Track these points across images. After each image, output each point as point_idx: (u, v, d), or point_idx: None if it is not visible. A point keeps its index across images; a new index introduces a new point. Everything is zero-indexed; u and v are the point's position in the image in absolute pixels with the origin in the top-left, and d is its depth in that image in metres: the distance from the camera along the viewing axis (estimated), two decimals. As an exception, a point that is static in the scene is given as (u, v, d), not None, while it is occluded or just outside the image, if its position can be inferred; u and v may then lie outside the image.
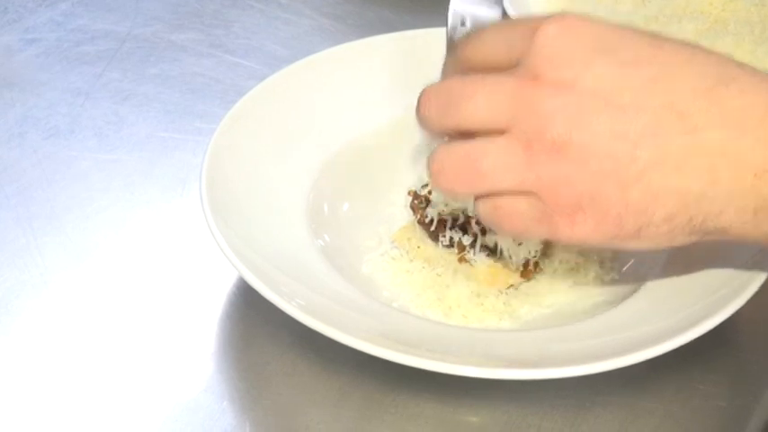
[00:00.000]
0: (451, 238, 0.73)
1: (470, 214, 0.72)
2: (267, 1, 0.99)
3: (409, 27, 0.86)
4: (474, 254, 0.72)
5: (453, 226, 0.73)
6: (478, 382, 0.64)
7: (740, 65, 0.59)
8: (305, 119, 0.80)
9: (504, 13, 0.79)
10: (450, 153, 0.61)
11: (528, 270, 0.73)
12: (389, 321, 0.68)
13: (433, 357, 0.63)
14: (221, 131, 0.75)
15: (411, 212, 0.75)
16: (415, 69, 0.83)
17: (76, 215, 0.78)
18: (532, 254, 0.72)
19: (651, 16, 0.95)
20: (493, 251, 0.72)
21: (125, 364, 0.68)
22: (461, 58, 0.65)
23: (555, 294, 0.72)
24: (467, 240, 0.72)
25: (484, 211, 0.61)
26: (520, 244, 0.72)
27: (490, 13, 0.74)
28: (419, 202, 0.74)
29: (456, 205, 0.72)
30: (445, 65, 0.67)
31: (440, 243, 0.73)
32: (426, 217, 0.73)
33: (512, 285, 0.73)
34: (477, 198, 0.61)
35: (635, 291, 0.70)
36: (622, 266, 0.74)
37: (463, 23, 0.73)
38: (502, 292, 0.72)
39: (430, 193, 0.74)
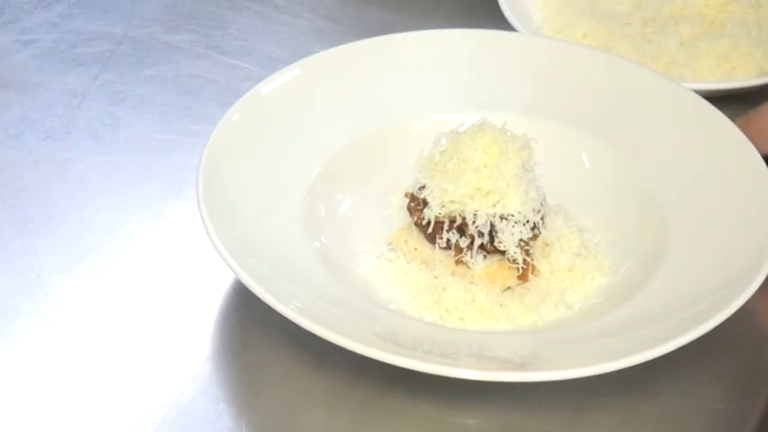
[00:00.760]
0: (448, 240, 0.73)
1: (467, 216, 0.72)
2: (263, 2, 0.99)
3: (406, 29, 0.86)
4: (471, 256, 0.72)
5: (450, 228, 0.72)
6: (475, 385, 0.64)
7: None
8: (302, 121, 0.80)
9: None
10: None
11: (525, 272, 0.72)
12: (386, 323, 0.68)
13: (429, 359, 0.63)
14: (218, 133, 0.75)
15: (408, 214, 0.75)
16: (413, 71, 0.84)
17: (72, 217, 0.78)
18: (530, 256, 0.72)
19: (648, 18, 0.95)
20: (490, 253, 0.72)
21: (121, 366, 0.68)
22: None
23: (552, 297, 0.72)
24: (464, 242, 0.72)
25: None
26: (518, 244, 0.72)
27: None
28: (416, 204, 0.74)
29: (453, 207, 0.72)
30: None
31: (437, 245, 0.73)
32: (423, 219, 0.73)
33: (509, 287, 0.73)
34: None
35: (632, 294, 0.70)
36: (619, 269, 0.74)
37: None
38: (499, 295, 0.72)
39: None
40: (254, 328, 0.70)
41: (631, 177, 0.78)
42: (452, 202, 0.72)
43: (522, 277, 0.73)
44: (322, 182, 0.77)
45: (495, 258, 0.72)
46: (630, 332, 0.67)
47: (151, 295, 0.73)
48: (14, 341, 0.70)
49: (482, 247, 0.72)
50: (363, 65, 0.84)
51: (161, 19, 0.98)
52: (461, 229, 0.72)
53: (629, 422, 0.66)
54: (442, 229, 0.73)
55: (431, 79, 0.83)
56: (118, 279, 0.74)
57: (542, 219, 0.74)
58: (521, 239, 0.72)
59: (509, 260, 0.72)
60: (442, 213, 0.73)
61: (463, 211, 0.72)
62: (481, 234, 0.72)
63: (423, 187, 0.74)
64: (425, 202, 0.73)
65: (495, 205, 0.72)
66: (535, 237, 0.73)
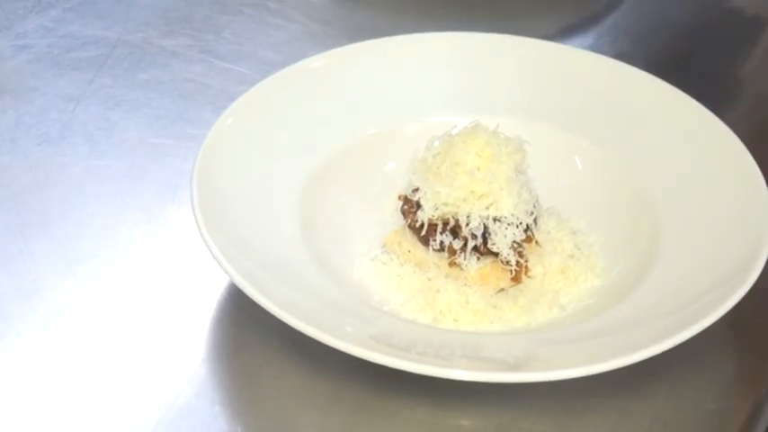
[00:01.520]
0: (442, 242, 0.73)
1: (460, 218, 0.72)
2: (257, 6, 0.99)
3: (399, 32, 0.87)
4: (464, 258, 0.72)
5: (444, 230, 0.73)
6: (469, 386, 0.65)
7: None
8: (296, 124, 0.80)
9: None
10: None
11: (518, 274, 0.73)
12: (380, 325, 0.69)
13: (423, 361, 0.64)
14: (212, 137, 0.75)
15: (402, 217, 0.75)
16: (405, 74, 0.84)
17: (68, 221, 0.78)
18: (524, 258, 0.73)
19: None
20: (484, 255, 0.72)
21: (117, 369, 0.69)
22: None
23: (545, 298, 0.72)
24: (457, 244, 0.73)
25: None
26: (512, 246, 0.72)
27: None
28: (410, 206, 0.74)
29: (446, 209, 0.73)
30: None
31: (430, 247, 0.73)
32: (417, 221, 0.73)
33: (502, 289, 0.73)
34: None
35: (624, 295, 0.71)
36: (612, 271, 0.74)
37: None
38: (492, 296, 0.72)
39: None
40: (249, 331, 0.70)
41: (624, 179, 0.78)
42: (446, 204, 0.72)
43: (516, 279, 0.73)
44: (316, 185, 0.77)
45: (488, 260, 0.73)
46: (623, 333, 0.67)
47: (147, 298, 0.73)
48: (11, 345, 0.70)
49: (475, 249, 0.72)
50: (356, 68, 0.84)
51: (155, 23, 0.99)
52: (455, 232, 0.73)
53: (621, 423, 0.66)
54: (435, 231, 0.73)
55: (423, 82, 0.84)
56: (114, 283, 0.74)
57: (535, 221, 0.74)
58: (514, 241, 0.72)
59: (502, 262, 0.72)
60: (436, 216, 0.73)
61: (456, 214, 0.72)
62: (474, 236, 0.72)
63: (416, 190, 0.74)
64: (419, 205, 0.73)
65: (488, 208, 0.72)
66: (528, 239, 0.73)
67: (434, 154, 0.74)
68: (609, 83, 0.84)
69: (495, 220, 0.72)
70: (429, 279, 0.73)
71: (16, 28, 0.97)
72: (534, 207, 0.74)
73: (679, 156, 0.78)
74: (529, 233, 0.73)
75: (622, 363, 0.63)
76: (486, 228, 0.72)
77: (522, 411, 0.66)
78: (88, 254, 0.76)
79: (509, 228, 0.72)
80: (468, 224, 0.72)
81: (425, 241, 0.74)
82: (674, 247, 0.73)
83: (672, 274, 0.70)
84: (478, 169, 0.72)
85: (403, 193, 0.76)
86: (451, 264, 0.73)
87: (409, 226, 0.74)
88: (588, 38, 1.01)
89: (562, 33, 1.01)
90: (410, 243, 0.75)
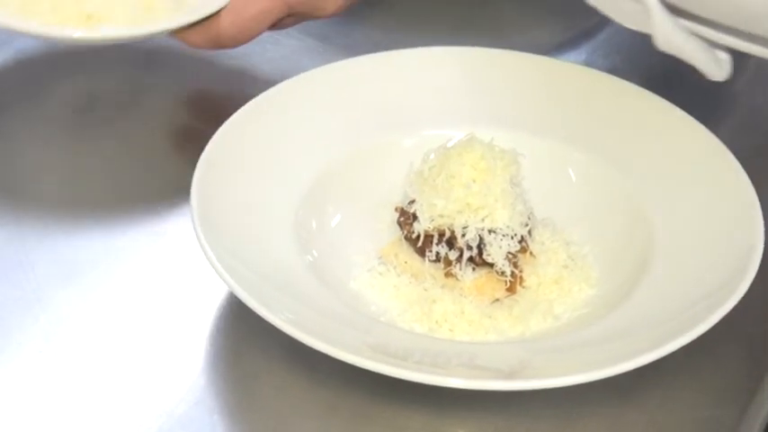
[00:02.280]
0: (438, 253, 0.74)
1: (456, 230, 0.73)
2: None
3: (396, 47, 0.87)
4: (460, 268, 0.73)
5: (440, 241, 0.73)
6: (465, 394, 0.65)
7: None
8: (293, 137, 0.80)
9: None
10: None
11: (513, 284, 0.73)
12: (377, 335, 0.69)
13: (420, 369, 0.64)
14: (211, 150, 0.76)
15: (398, 228, 0.76)
16: (401, 88, 0.85)
17: (68, 232, 0.79)
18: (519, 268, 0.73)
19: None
20: (479, 265, 0.73)
21: (117, 378, 0.69)
22: None
23: (539, 308, 0.73)
24: (453, 255, 0.73)
25: None
26: (507, 257, 0.73)
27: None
28: (406, 218, 0.75)
29: (442, 221, 0.73)
30: None
31: (426, 258, 0.74)
32: (413, 233, 0.74)
33: (497, 299, 0.74)
34: None
35: (618, 304, 0.71)
36: (606, 281, 0.75)
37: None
38: (487, 306, 0.73)
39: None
40: (247, 341, 0.71)
41: (617, 191, 0.79)
42: (441, 216, 0.73)
43: (511, 289, 0.74)
44: (314, 197, 0.77)
45: (483, 271, 0.73)
46: (617, 341, 0.67)
47: (146, 308, 0.74)
48: (12, 355, 0.70)
49: (471, 259, 0.73)
50: (353, 82, 0.85)
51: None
52: (450, 243, 0.73)
53: (616, 429, 0.67)
54: (431, 242, 0.74)
55: (419, 96, 0.84)
56: (114, 293, 0.75)
57: (530, 232, 0.75)
58: (509, 252, 0.73)
59: (497, 273, 0.73)
60: (432, 227, 0.73)
61: (452, 225, 0.73)
62: (470, 247, 0.73)
63: (412, 202, 0.75)
64: (415, 217, 0.74)
65: (483, 219, 0.73)
66: (523, 250, 0.74)
67: (430, 167, 0.74)
68: (602, 96, 0.85)
69: (490, 231, 0.73)
70: (425, 289, 0.74)
71: (15, 44, 0.97)
72: (529, 218, 0.75)
73: (671, 168, 0.79)
74: (524, 244, 0.74)
75: (616, 371, 0.64)
76: (481, 239, 0.73)
77: (517, 419, 0.67)
78: (88, 264, 0.76)
79: (504, 239, 0.73)
80: (463, 235, 0.73)
81: (422, 252, 0.74)
82: (666, 257, 0.73)
83: (665, 284, 0.71)
84: (474, 181, 0.73)
85: (399, 205, 0.77)
86: (447, 274, 0.74)
87: (406, 237, 0.75)
88: (582, 53, 1.02)
89: (556, 48, 1.01)
90: (406, 254, 0.75)
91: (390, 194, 0.78)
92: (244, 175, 0.76)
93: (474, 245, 0.73)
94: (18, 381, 0.69)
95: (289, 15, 0.89)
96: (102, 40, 0.87)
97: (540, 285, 0.75)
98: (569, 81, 0.86)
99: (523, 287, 0.74)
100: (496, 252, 0.73)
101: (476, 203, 0.73)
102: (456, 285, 0.73)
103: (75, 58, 0.95)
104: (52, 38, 0.86)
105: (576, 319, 0.72)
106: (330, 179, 0.79)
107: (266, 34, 0.90)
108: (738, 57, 0.98)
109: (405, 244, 0.75)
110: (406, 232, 0.75)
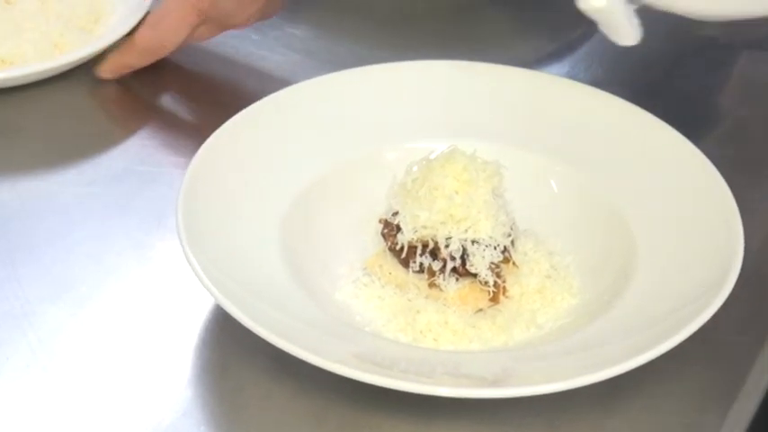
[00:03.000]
0: (422, 264, 0.74)
1: (439, 241, 0.73)
2: (240, 38, 1.00)
3: (380, 62, 0.88)
4: (444, 279, 0.74)
5: (423, 252, 0.74)
6: (450, 402, 0.66)
7: None
8: (278, 151, 0.81)
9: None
10: None
11: (497, 294, 0.74)
12: (363, 344, 0.70)
13: (406, 378, 0.65)
14: (196, 164, 0.77)
15: (382, 240, 0.76)
16: (386, 102, 0.86)
17: (56, 247, 0.79)
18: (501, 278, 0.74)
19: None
20: (463, 276, 0.74)
21: (104, 390, 0.69)
22: None
23: (522, 318, 0.74)
24: (437, 266, 0.74)
25: None
26: (490, 267, 0.73)
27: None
28: (390, 229, 0.76)
29: (426, 232, 0.74)
30: None
31: (410, 269, 0.74)
32: (397, 244, 0.75)
33: (481, 309, 0.74)
34: None
35: (600, 313, 0.72)
36: (588, 291, 0.76)
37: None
38: (471, 316, 0.74)
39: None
40: (234, 352, 0.71)
41: (599, 201, 0.80)
42: (425, 227, 0.74)
43: (494, 299, 0.74)
44: (298, 210, 0.78)
45: (467, 281, 0.74)
46: (599, 349, 0.68)
47: (133, 321, 0.74)
48: (0, 370, 0.71)
49: (454, 270, 0.74)
50: (336, 96, 0.85)
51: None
52: (434, 254, 0.74)
53: (598, 436, 0.68)
54: (415, 253, 0.74)
55: (402, 109, 0.85)
56: (101, 307, 0.75)
57: (513, 242, 0.75)
58: (492, 263, 0.74)
59: (481, 283, 0.74)
60: (415, 238, 0.74)
61: (435, 236, 0.74)
62: (453, 258, 0.73)
63: (396, 213, 0.75)
64: (399, 228, 0.75)
65: (466, 230, 0.73)
66: (506, 260, 0.75)
67: (413, 179, 0.75)
68: (584, 108, 0.85)
69: (473, 242, 0.73)
70: (409, 300, 0.74)
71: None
72: (511, 229, 0.75)
73: (652, 179, 0.80)
74: (506, 255, 0.75)
75: (598, 378, 0.65)
76: (464, 250, 0.73)
77: (501, 427, 0.68)
78: (76, 279, 0.77)
79: (487, 249, 0.73)
80: (447, 246, 0.73)
81: (405, 263, 0.75)
82: (647, 267, 0.74)
83: (646, 293, 0.72)
84: (457, 193, 0.73)
85: (383, 216, 0.77)
86: (431, 285, 0.74)
87: (390, 249, 0.76)
88: (565, 65, 1.02)
89: (538, 61, 1.02)
90: (391, 265, 0.76)
91: (374, 206, 0.79)
92: (228, 190, 0.77)
93: (457, 255, 0.73)
94: (5, 395, 0.69)
95: (203, 23, 0.92)
96: (14, 79, 0.92)
97: (522, 295, 0.75)
98: (552, 93, 0.87)
99: (506, 297, 0.75)
100: (480, 262, 0.73)
101: (459, 215, 0.73)
102: (440, 296, 0.74)
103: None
104: None
105: (559, 328, 0.73)
106: (314, 192, 0.79)
107: (251, 50, 0.91)
108: (722, 68, 0.99)
109: (389, 255, 0.76)
110: (390, 244, 0.75)
